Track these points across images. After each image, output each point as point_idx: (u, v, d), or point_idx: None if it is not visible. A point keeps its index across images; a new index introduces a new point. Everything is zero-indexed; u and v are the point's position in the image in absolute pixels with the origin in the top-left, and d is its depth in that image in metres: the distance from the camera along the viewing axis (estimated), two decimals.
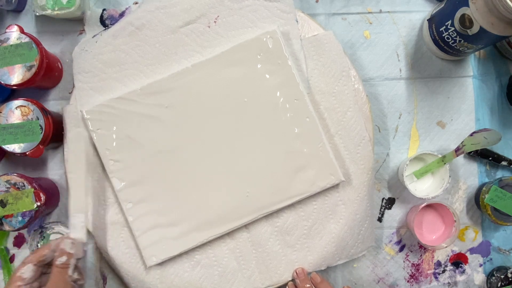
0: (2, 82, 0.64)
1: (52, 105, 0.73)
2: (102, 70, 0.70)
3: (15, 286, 0.53)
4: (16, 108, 0.65)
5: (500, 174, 0.75)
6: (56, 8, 0.68)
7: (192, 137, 0.68)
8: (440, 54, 0.72)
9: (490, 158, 0.73)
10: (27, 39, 0.64)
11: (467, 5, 0.59)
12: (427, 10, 0.74)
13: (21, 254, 0.72)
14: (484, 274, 0.74)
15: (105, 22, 0.73)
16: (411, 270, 0.74)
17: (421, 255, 0.74)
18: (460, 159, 0.74)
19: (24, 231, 0.73)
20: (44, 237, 0.72)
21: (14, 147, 0.65)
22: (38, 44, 0.65)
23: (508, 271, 0.71)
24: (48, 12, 0.68)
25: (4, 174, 0.65)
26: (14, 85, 0.64)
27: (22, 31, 0.65)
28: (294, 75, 0.67)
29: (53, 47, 0.73)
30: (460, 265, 0.74)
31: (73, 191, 0.64)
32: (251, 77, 0.68)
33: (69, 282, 0.55)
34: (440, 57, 0.74)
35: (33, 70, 0.64)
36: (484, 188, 0.70)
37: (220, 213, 0.67)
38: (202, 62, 0.68)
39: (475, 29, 0.60)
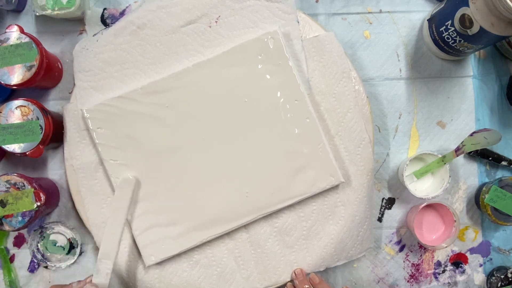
0: (2, 82, 0.64)
1: (52, 105, 0.73)
2: (102, 69, 0.70)
3: None
4: (16, 108, 0.65)
5: (500, 174, 0.75)
6: (56, 8, 0.68)
7: (192, 137, 0.68)
8: (440, 54, 0.72)
9: (490, 158, 0.73)
10: (27, 39, 0.64)
11: (467, 5, 0.59)
12: (427, 10, 0.74)
13: (21, 254, 0.73)
14: (484, 274, 0.74)
15: (106, 21, 0.73)
16: (411, 270, 0.74)
17: (421, 255, 0.74)
18: (460, 159, 0.74)
19: (24, 231, 0.73)
20: (44, 237, 0.72)
21: (14, 147, 0.65)
22: (38, 44, 0.65)
23: (508, 271, 0.71)
24: (48, 12, 0.68)
25: (4, 174, 0.65)
26: (14, 85, 0.64)
27: (22, 31, 0.65)
28: (295, 76, 0.67)
29: (53, 47, 0.73)
30: (460, 265, 0.74)
31: (106, 236, 0.64)
32: (252, 77, 0.68)
33: None
34: (440, 57, 0.74)
35: (33, 70, 0.64)
36: (484, 188, 0.70)
37: (219, 213, 0.67)
38: (203, 62, 0.68)
39: (475, 29, 0.60)
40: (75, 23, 0.74)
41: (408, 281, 0.74)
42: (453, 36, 0.65)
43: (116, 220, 0.64)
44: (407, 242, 0.74)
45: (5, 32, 0.64)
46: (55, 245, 0.72)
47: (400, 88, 0.74)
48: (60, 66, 0.73)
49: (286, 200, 0.67)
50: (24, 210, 0.64)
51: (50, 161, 0.73)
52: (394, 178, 0.74)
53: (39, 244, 0.72)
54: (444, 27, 0.66)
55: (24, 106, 0.65)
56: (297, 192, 0.67)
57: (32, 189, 0.64)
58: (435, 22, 0.69)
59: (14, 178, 0.64)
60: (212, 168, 0.68)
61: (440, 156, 0.69)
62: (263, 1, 0.70)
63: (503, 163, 0.73)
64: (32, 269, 0.73)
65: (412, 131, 0.74)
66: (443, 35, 0.67)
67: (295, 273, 0.68)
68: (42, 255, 0.72)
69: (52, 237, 0.72)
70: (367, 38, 0.74)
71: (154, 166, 0.68)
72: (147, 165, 0.68)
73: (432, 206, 0.71)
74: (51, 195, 0.70)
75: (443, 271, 0.74)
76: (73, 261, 0.72)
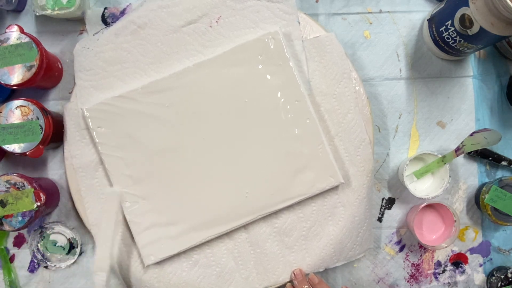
0: (2, 82, 0.64)
1: (52, 105, 0.73)
2: (103, 68, 0.70)
3: None
4: (16, 108, 0.65)
5: (500, 174, 0.75)
6: (56, 8, 0.68)
7: (192, 136, 0.68)
8: (440, 54, 0.72)
9: (490, 158, 0.73)
10: (27, 39, 0.64)
11: (467, 5, 0.59)
12: (427, 10, 0.74)
13: (21, 254, 0.73)
14: (484, 274, 0.74)
15: (106, 20, 0.73)
16: (411, 270, 0.74)
17: (421, 255, 0.74)
18: (460, 159, 0.74)
19: (24, 231, 0.73)
20: (44, 237, 0.72)
21: (14, 147, 0.65)
22: (38, 44, 0.65)
23: (508, 271, 0.71)
24: (48, 12, 0.68)
25: (4, 174, 0.65)
26: (14, 85, 0.64)
27: (22, 31, 0.65)
28: (295, 76, 0.67)
29: (53, 47, 0.73)
30: (460, 265, 0.74)
31: (98, 250, 0.65)
32: (252, 78, 0.68)
33: None
34: (440, 57, 0.74)
35: (33, 70, 0.64)
36: (484, 188, 0.70)
37: (219, 213, 0.67)
38: (204, 61, 0.68)
39: (475, 29, 0.60)
40: (75, 23, 0.74)
41: (408, 281, 0.74)
42: (453, 36, 0.65)
43: (105, 234, 0.65)
44: (407, 242, 0.74)
45: (5, 32, 0.64)
46: (55, 245, 0.72)
47: (400, 88, 0.74)
48: (60, 66, 0.73)
49: (285, 201, 0.67)
50: (24, 210, 0.64)
51: (50, 161, 0.73)
52: (394, 178, 0.74)
53: (39, 244, 0.72)
54: (444, 27, 0.66)
55: (24, 106, 0.65)
56: (297, 193, 0.67)
57: (32, 189, 0.64)
58: (435, 22, 0.69)
59: (14, 178, 0.64)
60: (212, 168, 0.68)
61: (440, 156, 0.69)
62: (264, 1, 0.70)
63: (503, 163, 0.73)
64: (32, 269, 0.73)
65: (412, 131, 0.74)
66: (443, 35, 0.67)
67: (294, 273, 0.68)
68: (42, 255, 0.72)
69: (52, 237, 0.72)
70: (367, 38, 0.74)
71: (154, 166, 0.68)
72: (147, 164, 0.68)
73: (432, 206, 0.71)
74: (51, 195, 0.70)
75: (443, 271, 0.74)
76: (73, 261, 0.72)
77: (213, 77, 0.68)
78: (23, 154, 0.65)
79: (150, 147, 0.68)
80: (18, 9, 0.73)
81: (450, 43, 0.67)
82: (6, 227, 0.64)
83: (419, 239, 0.68)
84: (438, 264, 0.74)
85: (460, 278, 0.74)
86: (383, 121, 0.74)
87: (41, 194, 0.64)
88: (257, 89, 0.68)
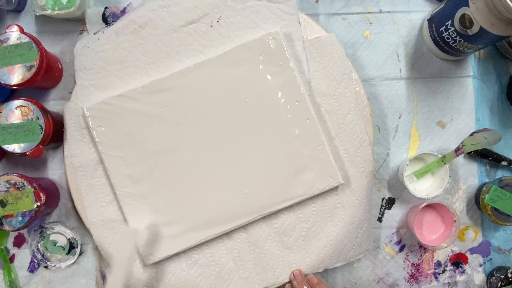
0: (2, 82, 0.64)
1: (52, 105, 0.73)
2: (103, 67, 0.70)
3: None
4: (16, 108, 0.65)
5: (500, 174, 0.75)
6: (56, 8, 0.68)
7: (192, 136, 0.68)
8: (440, 54, 0.72)
9: (490, 158, 0.73)
10: (27, 39, 0.64)
11: (467, 5, 0.59)
12: (427, 10, 0.74)
13: (21, 254, 0.73)
14: (484, 274, 0.74)
15: (107, 19, 0.73)
16: (411, 270, 0.74)
17: (421, 255, 0.74)
18: (460, 159, 0.74)
19: (24, 231, 0.73)
20: (44, 237, 0.72)
21: (14, 147, 0.65)
22: (38, 44, 0.65)
23: (508, 271, 0.71)
24: (48, 12, 0.68)
25: (4, 174, 0.65)
26: (14, 85, 0.64)
27: (22, 31, 0.65)
28: (296, 77, 0.67)
29: (53, 47, 0.73)
30: (460, 265, 0.74)
31: (109, 286, 0.63)
32: (253, 78, 0.68)
33: None
34: (440, 57, 0.74)
35: (33, 70, 0.64)
36: (484, 188, 0.70)
37: (218, 213, 0.67)
38: (204, 61, 0.68)
39: (475, 29, 0.60)
40: (75, 23, 0.74)
41: (408, 281, 0.74)
42: (453, 36, 0.65)
43: (118, 271, 0.63)
44: (407, 242, 0.74)
45: (5, 32, 0.64)
46: (55, 245, 0.72)
47: (400, 88, 0.74)
48: (60, 66, 0.73)
49: (285, 201, 0.67)
50: (24, 210, 0.64)
51: (50, 161, 0.73)
52: (394, 178, 0.74)
53: (39, 244, 0.72)
54: (444, 27, 0.66)
55: (24, 106, 0.65)
56: (297, 193, 0.67)
57: (32, 189, 0.64)
58: (435, 22, 0.69)
59: (14, 178, 0.64)
60: (212, 168, 0.68)
61: (440, 156, 0.69)
62: (265, 1, 0.70)
63: (503, 163, 0.73)
64: (32, 269, 0.73)
65: (412, 131, 0.74)
66: (443, 35, 0.67)
67: (293, 274, 0.68)
68: (42, 255, 0.72)
69: (52, 237, 0.72)
70: (367, 38, 0.74)
71: (154, 165, 0.68)
72: (147, 164, 0.68)
73: (432, 206, 0.71)
74: (51, 195, 0.70)
75: (443, 271, 0.74)
76: (73, 261, 0.72)
77: (213, 77, 0.68)
78: (23, 154, 0.65)
79: (150, 146, 0.68)
80: (18, 9, 0.73)
81: (450, 43, 0.67)
82: (6, 227, 0.64)
83: (419, 239, 0.68)
84: (438, 264, 0.74)
85: (460, 278, 0.74)
86: (383, 121, 0.74)
87: (41, 194, 0.64)
88: (257, 89, 0.68)
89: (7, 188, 0.64)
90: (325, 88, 0.70)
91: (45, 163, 0.73)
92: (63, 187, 0.73)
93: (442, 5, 0.68)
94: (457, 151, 0.68)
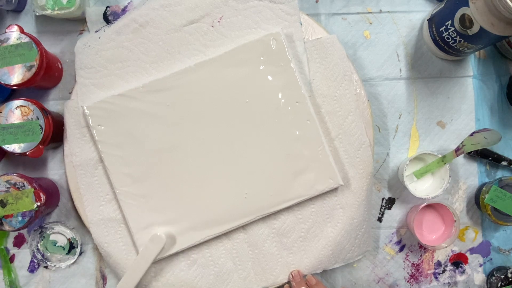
0: (2, 82, 0.64)
1: (52, 105, 0.73)
2: (104, 66, 0.70)
3: None
4: (16, 108, 0.65)
5: (500, 174, 0.75)
6: (56, 8, 0.68)
7: (192, 136, 0.68)
8: (440, 54, 0.72)
9: (490, 158, 0.73)
10: (27, 39, 0.64)
11: (467, 5, 0.59)
12: (427, 10, 0.74)
13: (21, 254, 0.73)
14: (484, 274, 0.74)
15: (108, 18, 0.73)
16: (411, 270, 0.74)
17: (421, 255, 0.74)
18: (460, 159, 0.74)
19: (24, 231, 0.73)
20: (44, 237, 0.72)
21: (14, 147, 0.65)
22: (38, 44, 0.65)
23: (508, 271, 0.71)
24: (48, 12, 0.68)
25: (4, 174, 0.65)
26: (14, 85, 0.64)
27: (22, 31, 0.65)
28: (296, 78, 0.67)
29: (53, 47, 0.73)
30: (460, 265, 0.74)
31: (123, 282, 0.65)
32: (253, 78, 0.68)
33: None
34: (440, 57, 0.74)
35: (33, 70, 0.64)
36: (484, 188, 0.70)
37: (218, 213, 0.67)
38: (205, 61, 0.68)
39: (475, 29, 0.60)
40: (75, 23, 0.74)
41: (408, 281, 0.74)
42: (453, 36, 0.65)
43: (136, 272, 0.64)
44: (407, 242, 0.74)
45: (5, 32, 0.64)
46: (55, 245, 0.72)
47: (400, 88, 0.74)
48: (60, 66, 0.73)
49: (284, 202, 0.67)
50: (24, 210, 0.64)
51: (50, 161, 0.73)
52: (394, 178, 0.74)
53: (39, 244, 0.72)
54: (444, 27, 0.66)
55: (24, 106, 0.65)
56: (296, 194, 0.67)
57: (32, 189, 0.64)
58: (435, 22, 0.69)
59: (14, 178, 0.64)
60: (212, 168, 0.68)
61: (440, 156, 0.69)
62: (266, 2, 0.70)
63: (503, 163, 0.73)
64: (32, 269, 0.73)
65: (412, 131, 0.74)
66: (443, 35, 0.67)
67: (292, 274, 0.68)
68: (42, 255, 0.72)
69: (52, 237, 0.72)
70: (367, 38, 0.74)
71: (153, 165, 0.68)
72: (146, 163, 0.68)
73: (432, 206, 0.71)
74: (51, 195, 0.70)
75: (443, 271, 0.74)
76: (73, 261, 0.72)
77: (214, 77, 0.68)
78: (23, 154, 0.65)
79: (150, 146, 0.68)
80: (18, 9, 0.73)
81: (450, 43, 0.67)
82: (6, 227, 0.64)
83: (419, 239, 0.68)
84: (438, 264, 0.74)
85: (460, 278, 0.74)
86: (383, 121, 0.74)
87: (41, 194, 0.64)
88: (258, 89, 0.68)
89: (7, 188, 0.64)
90: (325, 89, 0.70)
91: (45, 163, 0.73)
92: (63, 187, 0.73)
93: (442, 5, 0.68)
94: (457, 151, 0.68)
